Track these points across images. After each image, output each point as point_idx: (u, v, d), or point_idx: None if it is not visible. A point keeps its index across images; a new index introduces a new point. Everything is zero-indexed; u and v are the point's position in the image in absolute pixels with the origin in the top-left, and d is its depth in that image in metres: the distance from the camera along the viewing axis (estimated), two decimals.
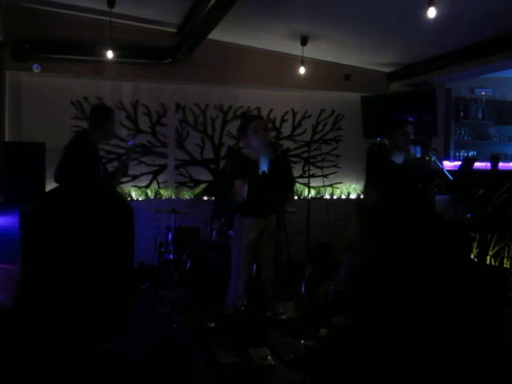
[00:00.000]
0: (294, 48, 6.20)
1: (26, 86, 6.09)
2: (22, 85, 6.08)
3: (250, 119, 3.88)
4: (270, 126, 6.99)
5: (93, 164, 3.93)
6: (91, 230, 0.98)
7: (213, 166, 6.91)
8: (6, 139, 5.85)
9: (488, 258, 5.08)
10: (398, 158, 4.17)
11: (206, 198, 6.68)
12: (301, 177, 7.22)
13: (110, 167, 5.14)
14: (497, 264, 5.02)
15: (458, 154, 7.35)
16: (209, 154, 6.89)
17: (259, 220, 3.66)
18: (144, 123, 6.58)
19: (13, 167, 5.16)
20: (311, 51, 6.25)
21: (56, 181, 4.01)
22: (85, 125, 6.30)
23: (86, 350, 0.95)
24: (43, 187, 5.37)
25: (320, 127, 7.37)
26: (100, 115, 4.20)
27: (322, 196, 7.38)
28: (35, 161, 5.30)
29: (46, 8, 5.73)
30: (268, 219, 3.68)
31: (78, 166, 3.89)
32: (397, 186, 3.97)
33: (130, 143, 5.11)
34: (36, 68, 5.85)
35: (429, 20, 4.12)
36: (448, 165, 6.19)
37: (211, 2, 4.45)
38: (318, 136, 7.36)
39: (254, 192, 3.61)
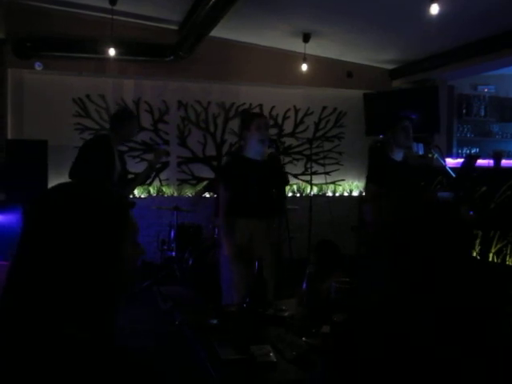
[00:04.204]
0: (296, 45, 6.19)
1: (28, 84, 6.09)
2: (24, 82, 6.09)
3: (253, 116, 3.87)
4: (271, 123, 7.00)
5: (104, 164, 3.96)
6: (82, 226, 0.99)
7: (215, 164, 6.91)
8: (9, 137, 5.85)
9: (491, 255, 5.07)
10: (398, 155, 4.17)
11: (207, 195, 6.70)
12: (303, 174, 7.22)
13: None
14: (499, 261, 5.02)
15: (460, 151, 7.33)
16: (211, 151, 6.90)
17: (252, 220, 3.63)
18: (146, 121, 6.58)
19: (15, 165, 5.17)
20: (313, 48, 6.24)
21: (70, 178, 4.03)
22: (87, 122, 6.33)
23: (81, 345, 0.96)
24: (45, 185, 5.38)
25: (322, 124, 7.37)
26: (118, 118, 4.24)
27: (325, 193, 7.38)
28: (37, 158, 5.31)
29: (47, 6, 5.74)
30: (263, 219, 3.65)
31: (89, 165, 3.91)
32: (395, 183, 3.97)
33: (161, 147, 5.13)
34: (38, 66, 5.85)
35: (431, 17, 4.12)
36: (450, 162, 6.18)
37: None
38: (320, 133, 7.35)
39: (248, 192, 3.60)
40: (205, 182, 6.82)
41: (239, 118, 4.16)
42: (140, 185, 6.25)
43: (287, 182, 4.04)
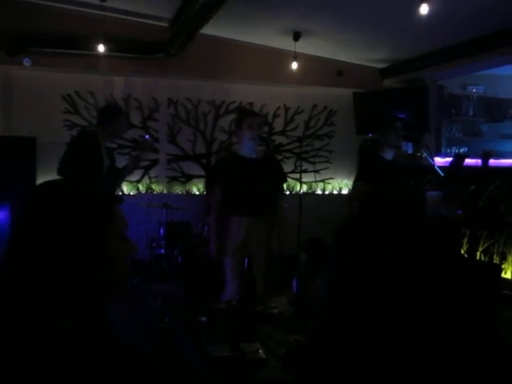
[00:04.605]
0: (286, 43, 6.19)
1: (16, 80, 6.04)
2: (12, 79, 6.04)
3: (245, 114, 3.87)
4: (265, 121, 6.96)
5: (92, 159, 3.92)
6: (68, 223, 1.00)
7: (205, 161, 6.90)
8: None
9: (478, 253, 5.11)
10: (388, 155, 4.20)
11: (197, 192, 6.70)
12: (293, 172, 7.23)
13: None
14: (486, 260, 5.06)
15: (449, 151, 7.38)
16: (201, 148, 6.89)
17: (247, 218, 3.64)
18: (136, 118, 6.56)
19: (3, 162, 5.13)
20: (304, 47, 6.25)
21: (59, 175, 4.00)
22: (76, 119, 6.29)
23: (72, 340, 0.96)
24: (34, 182, 5.34)
25: (312, 123, 7.38)
26: (105, 114, 4.21)
27: (314, 191, 7.40)
28: (26, 155, 5.28)
29: (37, 1, 5.69)
30: (257, 217, 3.66)
31: (77, 161, 3.88)
32: (385, 183, 4.00)
33: (146, 137, 5.08)
34: (27, 62, 5.80)
35: (421, 17, 4.13)
36: (439, 161, 6.22)
37: None
38: (310, 131, 7.37)
39: (242, 190, 3.61)
40: (195, 180, 6.82)
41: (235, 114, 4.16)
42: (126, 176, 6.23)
43: (285, 179, 4.05)
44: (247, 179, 3.62)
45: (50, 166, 4.30)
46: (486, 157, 6.03)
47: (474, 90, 7.60)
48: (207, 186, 6.28)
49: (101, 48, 5.31)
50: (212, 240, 3.69)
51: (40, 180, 5.64)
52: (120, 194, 6.08)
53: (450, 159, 5.26)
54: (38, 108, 6.07)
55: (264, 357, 1.96)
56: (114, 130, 4.14)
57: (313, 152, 7.30)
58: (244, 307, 2.30)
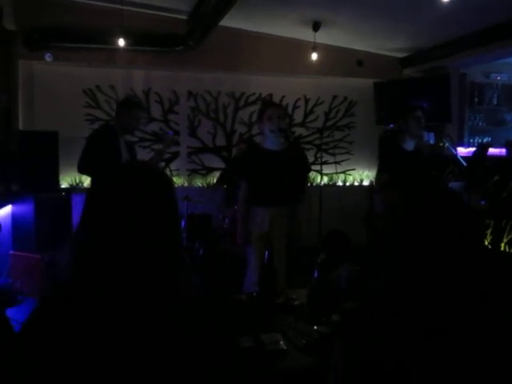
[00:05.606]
0: (306, 34, 6.14)
1: (38, 75, 6.11)
2: (34, 74, 6.10)
3: (266, 106, 3.88)
4: (285, 112, 6.89)
5: (109, 153, 3.94)
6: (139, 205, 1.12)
7: (225, 154, 6.91)
8: (20, 128, 5.88)
9: (502, 245, 5.04)
10: (409, 145, 4.15)
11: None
12: (313, 164, 7.20)
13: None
14: (511, 251, 4.98)
15: (472, 140, 7.26)
16: (221, 141, 6.90)
17: (271, 209, 3.65)
18: (156, 111, 6.59)
19: (26, 156, 5.20)
20: (323, 37, 6.20)
21: (79, 170, 4.03)
22: (97, 113, 6.35)
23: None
24: (57, 176, 5.41)
25: (332, 114, 7.33)
26: (118, 107, 4.23)
27: (335, 183, 7.36)
28: (48, 149, 5.33)
29: None
30: (280, 208, 3.67)
31: (94, 155, 3.91)
32: (406, 173, 3.96)
33: (169, 133, 5.11)
34: (48, 57, 5.87)
35: (442, 4, 4.07)
36: (462, 151, 6.13)
37: None
38: (330, 123, 7.32)
39: (265, 181, 3.62)
40: (216, 173, 6.82)
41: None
42: None
43: (308, 170, 4.08)
44: (270, 171, 3.62)
45: (72, 159, 4.34)
46: (510, 146, 5.93)
47: (499, 78, 7.45)
48: (220, 177, 6.30)
49: (121, 42, 5.34)
50: (238, 228, 3.73)
51: (63, 173, 5.72)
52: None
53: (473, 149, 5.18)
54: (59, 102, 6.14)
55: (285, 348, 1.97)
56: (127, 123, 4.11)
57: (333, 143, 7.26)
58: (264, 299, 2.31)
